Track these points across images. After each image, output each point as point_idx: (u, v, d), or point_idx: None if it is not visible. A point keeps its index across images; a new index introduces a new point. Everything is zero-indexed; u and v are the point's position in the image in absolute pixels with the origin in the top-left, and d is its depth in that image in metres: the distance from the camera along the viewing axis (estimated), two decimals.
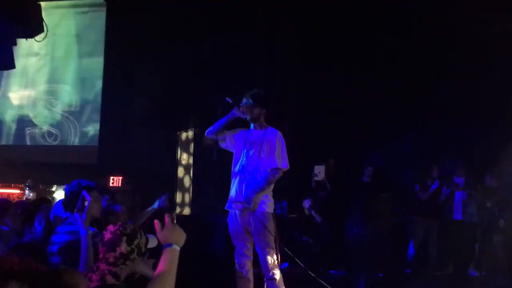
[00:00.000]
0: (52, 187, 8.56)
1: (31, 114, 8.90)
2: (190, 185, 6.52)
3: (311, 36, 7.96)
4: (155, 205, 4.24)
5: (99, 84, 8.62)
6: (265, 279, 3.86)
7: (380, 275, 6.74)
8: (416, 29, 7.46)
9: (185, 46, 7.71)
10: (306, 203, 7.33)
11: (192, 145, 6.63)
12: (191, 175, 6.53)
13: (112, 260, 2.35)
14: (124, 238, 2.38)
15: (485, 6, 6.54)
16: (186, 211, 6.48)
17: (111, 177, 8.31)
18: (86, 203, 3.00)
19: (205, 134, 4.01)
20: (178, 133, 6.99)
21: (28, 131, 8.83)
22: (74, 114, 8.79)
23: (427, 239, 7.39)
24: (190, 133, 6.71)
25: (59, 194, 7.98)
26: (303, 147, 7.77)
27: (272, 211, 3.93)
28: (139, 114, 7.79)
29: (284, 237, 6.57)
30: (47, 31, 5.47)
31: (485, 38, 6.83)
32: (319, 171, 7.70)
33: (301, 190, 7.62)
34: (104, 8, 8.55)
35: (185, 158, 6.77)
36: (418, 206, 7.35)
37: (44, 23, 5.25)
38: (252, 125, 4.01)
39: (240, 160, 3.93)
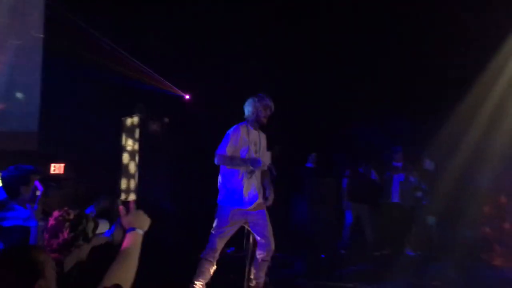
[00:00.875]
0: None
1: None
2: (135, 171, 6.46)
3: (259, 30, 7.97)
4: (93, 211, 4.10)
5: (38, 66, 8.27)
6: (263, 261, 4.29)
7: (323, 256, 7.00)
8: (361, 27, 7.62)
9: (130, 30, 7.54)
10: None
11: (137, 131, 6.56)
12: (137, 161, 6.47)
13: (55, 247, 2.32)
14: (67, 224, 2.34)
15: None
16: (132, 197, 6.43)
17: (52, 164, 8.05)
18: (38, 193, 2.92)
19: (215, 161, 4.22)
20: (122, 118, 6.88)
21: None
22: (12, 98, 8.40)
23: (362, 222, 7.80)
24: (135, 119, 6.64)
25: None
26: None
27: None
28: (82, 98, 7.56)
29: None
30: None
31: (421, 33, 7.13)
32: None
33: None
34: None
35: (130, 144, 6.69)
36: (350, 191, 7.76)
37: None
38: (253, 127, 4.31)
39: (247, 157, 4.20)
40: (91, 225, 2.43)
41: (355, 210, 7.77)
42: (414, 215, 7.68)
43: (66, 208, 2.45)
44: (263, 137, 4.39)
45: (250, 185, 4.18)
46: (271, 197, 4.31)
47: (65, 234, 2.33)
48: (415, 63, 7.44)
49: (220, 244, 4.20)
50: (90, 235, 2.43)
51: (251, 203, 4.22)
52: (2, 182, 3.31)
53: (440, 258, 6.87)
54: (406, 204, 7.67)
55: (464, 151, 7.27)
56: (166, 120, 6.75)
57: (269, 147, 4.47)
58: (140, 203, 6.14)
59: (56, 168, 8.16)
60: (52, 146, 7.88)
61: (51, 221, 2.38)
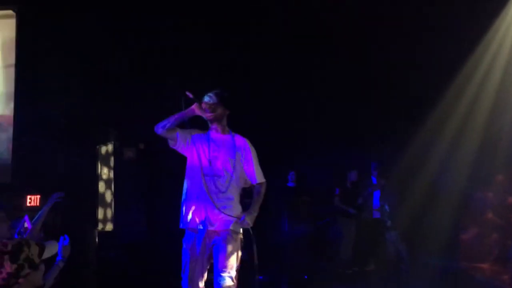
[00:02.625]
0: None
1: None
2: (111, 200, 6.35)
3: (225, 40, 7.98)
4: (49, 203, 4.12)
5: (10, 97, 8.16)
6: None
7: (306, 277, 6.93)
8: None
9: (102, 58, 7.50)
10: None
11: (112, 159, 6.47)
12: (113, 189, 6.37)
13: (2, 283, 2.21)
14: (6, 257, 2.22)
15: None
16: (109, 227, 6.31)
17: (28, 196, 7.89)
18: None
19: (155, 129, 3.41)
20: (97, 147, 6.78)
21: None
22: None
23: (347, 239, 7.78)
24: (110, 147, 6.55)
25: None
26: None
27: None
28: (55, 128, 7.46)
29: None
30: None
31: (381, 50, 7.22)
32: None
33: None
34: (14, 19, 8.12)
35: (105, 172, 6.59)
36: (342, 209, 7.75)
37: None
38: (212, 128, 3.49)
39: (202, 169, 3.33)
40: (35, 250, 2.30)
41: (346, 227, 7.77)
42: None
43: (4, 241, 2.32)
44: (238, 141, 3.55)
45: (207, 198, 3.42)
46: (252, 217, 3.46)
47: (7, 267, 2.21)
48: (379, 78, 7.53)
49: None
50: (37, 261, 2.30)
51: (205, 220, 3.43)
52: None
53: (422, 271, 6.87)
54: (385, 219, 7.69)
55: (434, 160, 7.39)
56: (142, 146, 6.67)
57: None
58: (116, 233, 6.04)
59: (32, 200, 8.01)
60: (26, 177, 7.75)
61: None
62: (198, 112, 3.39)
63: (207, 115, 3.42)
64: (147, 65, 7.11)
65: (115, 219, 6.20)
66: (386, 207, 7.61)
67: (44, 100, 7.58)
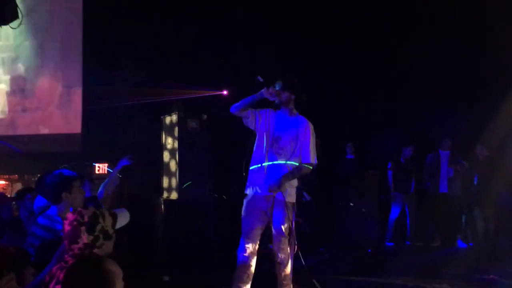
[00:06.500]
0: (36, 177, 8.46)
1: (8, 102, 8.67)
2: (176, 169, 6.47)
3: (295, 12, 7.80)
4: (118, 166, 4.18)
5: (79, 68, 8.44)
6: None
7: (369, 251, 6.81)
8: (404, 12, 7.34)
9: (168, 30, 7.57)
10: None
11: (176, 129, 6.56)
12: (177, 159, 6.47)
13: (77, 252, 2.23)
14: (83, 228, 2.23)
15: None
16: (174, 195, 6.44)
17: (97, 165, 8.21)
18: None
19: (230, 110, 3.84)
20: (162, 117, 6.90)
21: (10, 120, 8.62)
22: (54, 100, 8.62)
23: (408, 213, 7.56)
24: (174, 117, 6.63)
25: None
26: None
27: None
28: (122, 99, 7.67)
29: None
30: (22, 17, 5.33)
31: (469, 20, 6.79)
32: None
33: None
34: None
35: (170, 142, 6.70)
36: (396, 183, 7.52)
37: (18, 9, 5.11)
38: (281, 109, 3.87)
39: (266, 145, 3.75)
40: (109, 221, 2.32)
41: (402, 202, 7.54)
42: (464, 206, 7.36)
43: (79, 209, 2.33)
44: (300, 124, 3.85)
45: (264, 171, 3.79)
46: (276, 181, 3.67)
47: (84, 238, 2.23)
48: (463, 48, 7.11)
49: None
50: (111, 231, 2.32)
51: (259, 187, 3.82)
52: (45, 188, 3.30)
53: (493, 250, 6.53)
54: (455, 195, 7.36)
55: None
56: (204, 117, 6.73)
57: None
58: (181, 202, 6.12)
59: (100, 169, 8.33)
60: (95, 147, 8.06)
61: (67, 226, 2.27)
62: (266, 95, 3.75)
63: (273, 100, 3.80)
64: (212, 40, 7.11)
65: (179, 188, 6.31)
66: (475, 181, 7.21)
67: (111, 72, 7.79)
